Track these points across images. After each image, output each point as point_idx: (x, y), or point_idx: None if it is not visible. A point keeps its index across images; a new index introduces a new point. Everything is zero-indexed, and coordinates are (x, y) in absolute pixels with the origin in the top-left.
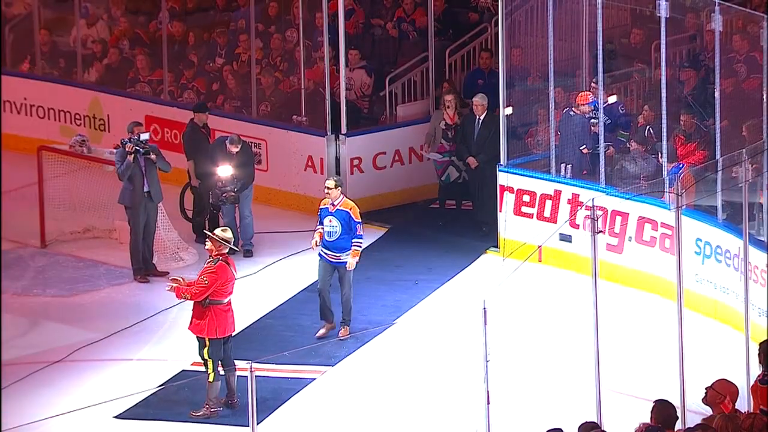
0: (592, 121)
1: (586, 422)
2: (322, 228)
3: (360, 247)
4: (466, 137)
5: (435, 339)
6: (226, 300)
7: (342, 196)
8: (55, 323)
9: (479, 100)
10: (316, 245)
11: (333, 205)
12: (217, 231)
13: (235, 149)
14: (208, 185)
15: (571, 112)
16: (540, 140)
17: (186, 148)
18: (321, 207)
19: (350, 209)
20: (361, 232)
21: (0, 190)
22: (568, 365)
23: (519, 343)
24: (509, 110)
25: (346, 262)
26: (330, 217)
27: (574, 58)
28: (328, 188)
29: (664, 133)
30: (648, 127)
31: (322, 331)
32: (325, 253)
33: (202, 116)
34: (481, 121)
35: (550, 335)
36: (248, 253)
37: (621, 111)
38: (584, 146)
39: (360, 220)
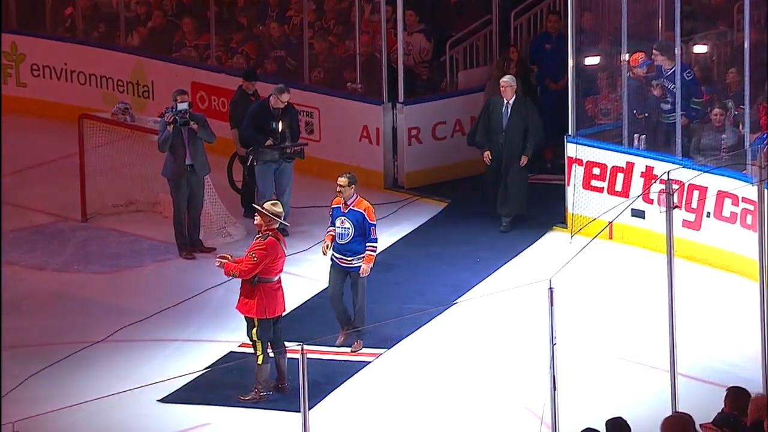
0: (654, 82)
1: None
2: (334, 230)
3: (374, 252)
4: (491, 122)
5: (498, 321)
6: (276, 278)
7: (356, 195)
8: (96, 301)
9: (508, 81)
10: (327, 249)
11: (346, 204)
12: (267, 204)
13: (286, 98)
14: (258, 153)
15: (629, 74)
16: (604, 109)
17: (232, 115)
18: (333, 206)
19: (365, 209)
20: (376, 236)
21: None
22: (641, 349)
23: (587, 325)
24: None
25: (359, 267)
26: (342, 218)
27: (649, 18)
28: (341, 186)
29: (747, 101)
30: (730, 94)
31: (341, 339)
32: (337, 258)
33: (251, 84)
34: (510, 106)
35: (620, 317)
36: (283, 232)
37: (687, 77)
38: (635, 111)
39: (374, 222)
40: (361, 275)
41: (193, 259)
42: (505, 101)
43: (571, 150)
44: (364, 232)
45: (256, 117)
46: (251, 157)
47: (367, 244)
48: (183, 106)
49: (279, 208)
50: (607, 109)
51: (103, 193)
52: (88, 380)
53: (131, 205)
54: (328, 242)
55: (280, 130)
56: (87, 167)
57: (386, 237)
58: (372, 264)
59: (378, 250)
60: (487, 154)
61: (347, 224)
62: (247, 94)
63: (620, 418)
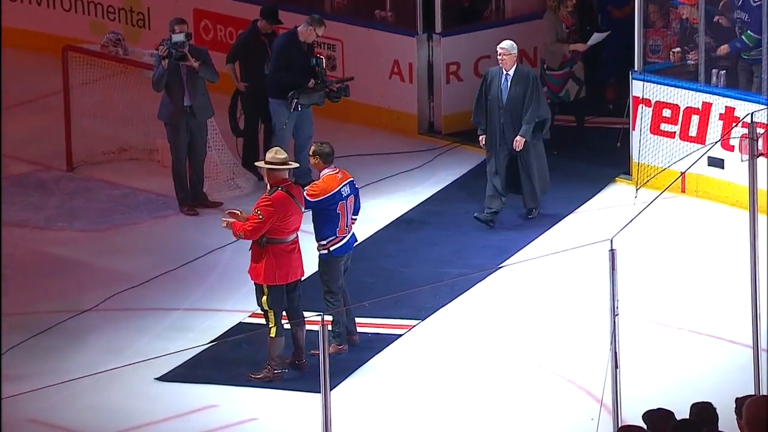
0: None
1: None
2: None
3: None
4: (489, 98)
5: (549, 288)
6: (289, 238)
7: (328, 168)
8: (84, 263)
9: (507, 49)
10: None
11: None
12: (268, 155)
13: (322, 32)
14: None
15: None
16: (654, 45)
17: (234, 49)
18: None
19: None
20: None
21: None
22: (717, 321)
23: (655, 293)
24: None
25: (321, 254)
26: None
27: None
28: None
29: None
30: None
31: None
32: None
33: (268, 26)
34: (510, 78)
35: (694, 284)
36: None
37: (754, 3)
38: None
39: (313, 200)
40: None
41: (196, 215)
42: (504, 72)
43: (638, 88)
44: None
45: (289, 55)
46: (295, 102)
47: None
48: (179, 37)
49: (283, 154)
50: (657, 45)
51: (92, 138)
52: (75, 355)
53: (124, 153)
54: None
55: (323, 66)
56: (72, 108)
57: (420, 191)
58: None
59: (411, 206)
60: (481, 138)
61: None
62: (260, 35)
63: (707, 402)
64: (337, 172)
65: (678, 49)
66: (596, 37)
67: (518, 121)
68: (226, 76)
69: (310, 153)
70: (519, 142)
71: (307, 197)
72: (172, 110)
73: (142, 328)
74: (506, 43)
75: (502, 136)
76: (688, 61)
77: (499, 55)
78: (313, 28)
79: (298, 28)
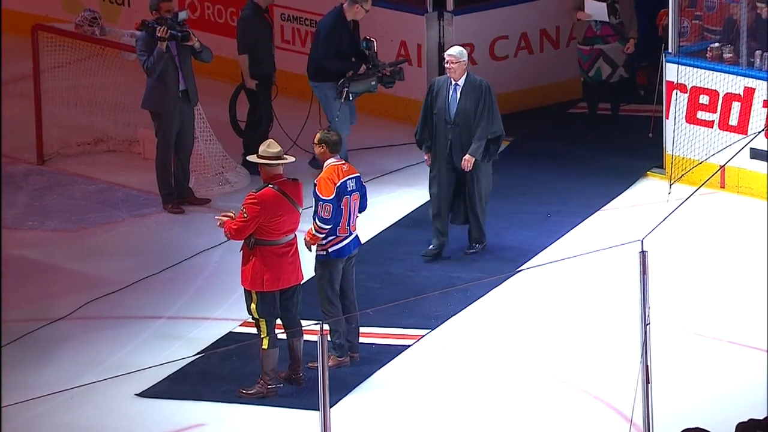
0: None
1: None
2: None
3: (317, 232)
4: (435, 109)
5: (572, 294)
6: (282, 240)
7: (333, 158)
8: (57, 266)
9: (455, 56)
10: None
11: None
12: (261, 148)
13: (368, 5)
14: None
15: None
16: (684, 27)
17: (242, 37)
18: None
19: (318, 180)
20: (322, 213)
21: None
22: (760, 329)
23: (691, 299)
24: None
25: (317, 255)
26: None
27: None
28: (313, 143)
29: None
30: None
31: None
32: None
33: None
34: (460, 89)
35: (734, 288)
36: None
37: None
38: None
39: (325, 198)
40: (306, 242)
41: (182, 214)
42: (453, 82)
43: (672, 72)
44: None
45: (339, 38)
46: (346, 90)
47: (315, 220)
48: (183, 15)
49: (276, 148)
50: (685, 27)
51: (65, 128)
52: (46, 368)
53: (101, 144)
54: None
55: (375, 49)
56: (43, 94)
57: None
58: (311, 241)
59: (419, 203)
60: (427, 156)
61: None
62: (261, 11)
63: (756, 421)
64: (342, 164)
65: (717, 44)
66: (594, 6)
67: (469, 137)
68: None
69: (315, 141)
70: (468, 161)
71: (322, 196)
72: (164, 97)
73: (121, 338)
74: (454, 50)
75: (448, 155)
76: (725, 54)
77: (447, 62)
78: (360, 5)
79: (344, 5)
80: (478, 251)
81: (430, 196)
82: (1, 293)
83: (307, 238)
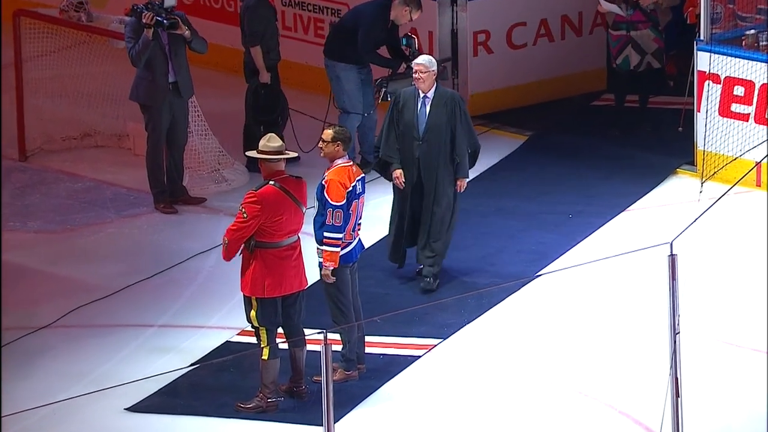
0: None
1: None
2: None
3: (331, 247)
4: (402, 126)
5: (596, 301)
6: (284, 242)
7: (342, 157)
8: (40, 271)
9: (424, 65)
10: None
11: (328, 169)
12: (261, 142)
13: (417, 16)
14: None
15: None
16: (717, 12)
17: (252, 27)
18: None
19: (327, 181)
20: (332, 221)
21: None
22: None
23: (724, 306)
24: None
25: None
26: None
27: None
28: (323, 141)
29: None
30: None
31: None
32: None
33: None
34: (430, 101)
35: None
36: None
37: None
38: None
39: (335, 203)
40: (324, 279)
41: (175, 214)
42: (422, 95)
43: (704, 61)
44: (324, 213)
45: (377, 36)
46: (384, 90)
47: (324, 233)
48: (170, 1)
49: (277, 142)
50: (717, 13)
51: (49, 121)
52: (28, 381)
53: (88, 139)
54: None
55: (416, 47)
56: (26, 85)
57: None
58: (333, 266)
59: None
60: (398, 173)
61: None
62: None
63: None
64: (351, 164)
65: (752, 31)
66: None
67: (440, 154)
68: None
69: (329, 139)
70: (463, 183)
71: (333, 202)
72: (153, 89)
73: (108, 348)
74: (423, 58)
75: (417, 176)
76: (761, 42)
77: (415, 72)
78: (409, 10)
79: (393, 2)
80: (432, 288)
81: (390, 221)
82: (1, 295)
83: (328, 264)
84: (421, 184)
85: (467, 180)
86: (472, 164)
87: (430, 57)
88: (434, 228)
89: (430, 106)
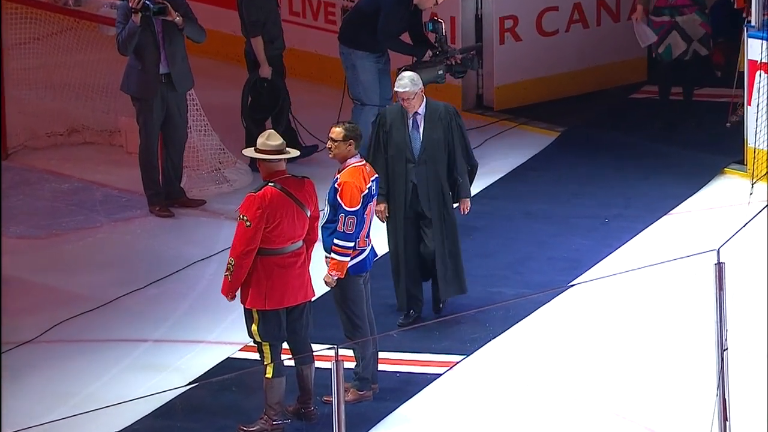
0: None
1: None
2: None
3: (341, 256)
4: (390, 149)
5: (635, 313)
6: (288, 248)
7: (354, 156)
8: (22, 280)
9: (409, 91)
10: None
11: (339, 170)
12: (259, 140)
13: None
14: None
15: None
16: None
17: (250, 15)
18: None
19: (341, 184)
20: (344, 228)
21: None
22: None
23: None
24: None
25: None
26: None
27: None
28: (332, 140)
29: None
30: None
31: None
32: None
33: None
34: (423, 120)
35: None
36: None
37: None
38: None
39: (350, 208)
40: (327, 284)
41: (171, 217)
42: (408, 114)
43: (755, 49)
44: (335, 219)
45: (400, 21)
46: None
47: (334, 240)
48: None
49: (276, 140)
50: None
51: (34, 116)
52: (9, 400)
53: (76, 135)
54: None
55: (443, 32)
56: (7, 75)
57: None
58: (337, 275)
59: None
60: (382, 207)
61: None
62: None
63: None
64: (364, 164)
65: None
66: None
67: (437, 176)
68: (212, 35)
69: (340, 138)
70: (466, 204)
71: (347, 207)
72: (143, 80)
73: (97, 365)
74: (405, 82)
75: (412, 202)
76: None
77: (401, 99)
78: None
79: None
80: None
81: (390, 256)
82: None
83: (333, 272)
84: (418, 213)
85: (469, 200)
86: (471, 183)
87: (411, 74)
88: (439, 253)
89: (424, 123)
